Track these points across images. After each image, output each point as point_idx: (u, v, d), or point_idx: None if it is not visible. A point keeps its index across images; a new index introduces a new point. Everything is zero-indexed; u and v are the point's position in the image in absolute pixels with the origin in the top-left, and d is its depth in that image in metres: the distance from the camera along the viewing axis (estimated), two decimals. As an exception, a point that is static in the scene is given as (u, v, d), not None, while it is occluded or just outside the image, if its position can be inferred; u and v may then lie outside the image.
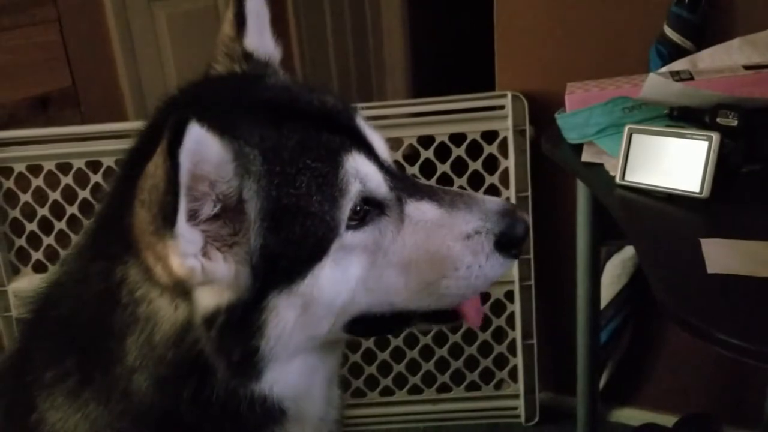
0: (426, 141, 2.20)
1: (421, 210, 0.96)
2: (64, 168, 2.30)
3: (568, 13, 2.03)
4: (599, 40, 2.02)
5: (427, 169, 2.22)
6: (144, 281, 0.88)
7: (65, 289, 1.00)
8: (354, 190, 0.91)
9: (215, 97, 0.97)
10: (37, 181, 2.31)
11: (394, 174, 0.99)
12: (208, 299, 0.86)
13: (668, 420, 2.14)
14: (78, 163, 2.28)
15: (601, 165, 1.64)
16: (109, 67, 2.83)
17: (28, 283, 2.32)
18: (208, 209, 0.83)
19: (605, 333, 2.13)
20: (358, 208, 0.92)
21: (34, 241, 2.38)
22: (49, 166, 2.29)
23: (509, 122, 2.10)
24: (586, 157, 1.69)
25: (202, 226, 0.83)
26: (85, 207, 2.32)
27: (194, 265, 0.83)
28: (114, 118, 2.57)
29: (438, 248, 0.95)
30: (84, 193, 2.31)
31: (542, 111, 2.02)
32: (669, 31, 1.87)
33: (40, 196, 2.33)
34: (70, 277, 0.99)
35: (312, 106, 0.97)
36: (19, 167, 2.30)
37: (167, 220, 0.78)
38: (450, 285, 0.96)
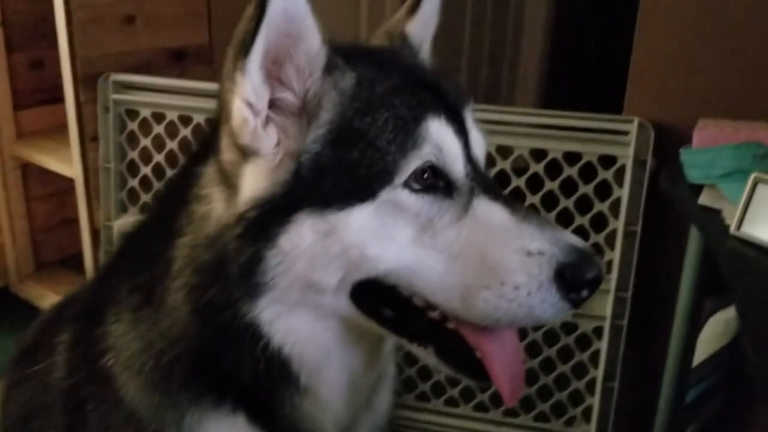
0: (538, 155, 2.11)
1: (489, 209, 0.91)
2: (185, 120, 2.39)
3: (716, 42, 1.87)
4: (746, 76, 1.85)
5: (534, 184, 2.12)
6: (213, 177, 0.94)
7: (154, 205, 1.07)
8: (426, 151, 0.89)
9: (347, 45, 1.01)
10: (159, 129, 2.42)
11: (477, 168, 0.96)
12: (249, 185, 0.90)
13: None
14: (198, 118, 2.37)
15: (719, 211, 1.51)
16: None
17: (131, 222, 2.42)
18: (290, 97, 0.89)
19: (693, 392, 1.97)
20: (426, 175, 0.90)
21: (146, 184, 2.49)
22: (172, 116, 2.39)
23: (631, 150, 1.96)
24: (704, 200, 1.56)
25: (277, 113, 0.89)
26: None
27: (249, 118, 0.87)
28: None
29: (492, 253, 0.88)
30: None
31: (668, 143, 1.88)
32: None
33: (159, 143, 2.44)
34: (159, 191, 1.08)
35: (427, 77, 1.00)
36: (145, 112, 2.42)
37: (244, 48, 0.84)
38: (489, 299, 0.88)
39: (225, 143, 0.92)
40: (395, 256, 0.89)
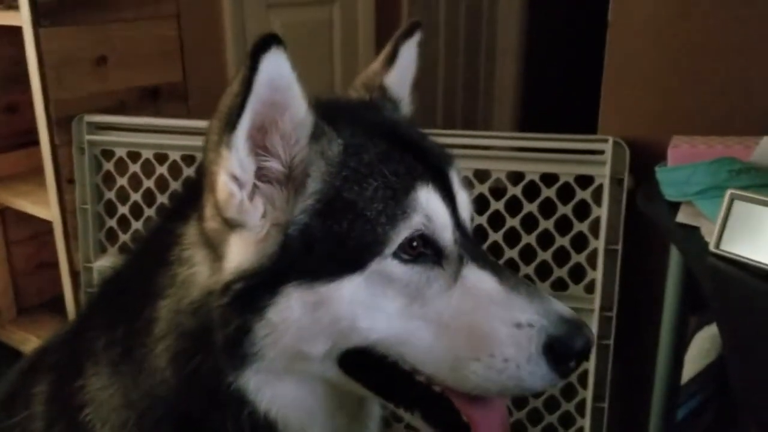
0: (516, 177, 2.11)
1: (479, 277, 0.91)
2: (161, 158, 2.39)
3: (688, 60, 1.89)
4: (719, 93, 1.87)
5: (513, 207, 2.11)
6: (195, 240, 0.93)
7: (130, 256, 1.08)
8: (416, 220, 0.89)
9: (330, 104, 1.01)
10: (135, 167, 2.41)
11: (465, 234, 0.95)
12: (235, 255, 0.88)
13: None
14: (174, 155, 2.36)
15: (697, 228, 1.50)
16: (220, 66, 2.90)
17: (112, 262, 2.39)
18: (276, 165, 0.88)
19: (684, 409, 1.96)
20: (415, 243, 0.89)
21: (124, 224, 2.48)
22: (147, 154, 2.39)
23: (607, 169, 1.97)
24: (682, 217, 1.55)
25: (263, 182, 0.88)
26: (175, 197, 2.38)
27: (235, 192, 0.86)
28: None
29: (482, 324, 0.88)
30: (176, 185, 2.38)
31: (644, 161, 1.88)
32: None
33: (135, 182, 2.43)
34: (136, 245, 1.08)
35: (412, 138, 0.99)
36: (120, 152, 2.42)
37: (230, 123, 0.82)
38: (478, 371, 0.87)
39: (209, 212, 0.91)
40: (385, 326, 0.89)
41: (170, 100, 2.77)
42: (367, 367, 0.92)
